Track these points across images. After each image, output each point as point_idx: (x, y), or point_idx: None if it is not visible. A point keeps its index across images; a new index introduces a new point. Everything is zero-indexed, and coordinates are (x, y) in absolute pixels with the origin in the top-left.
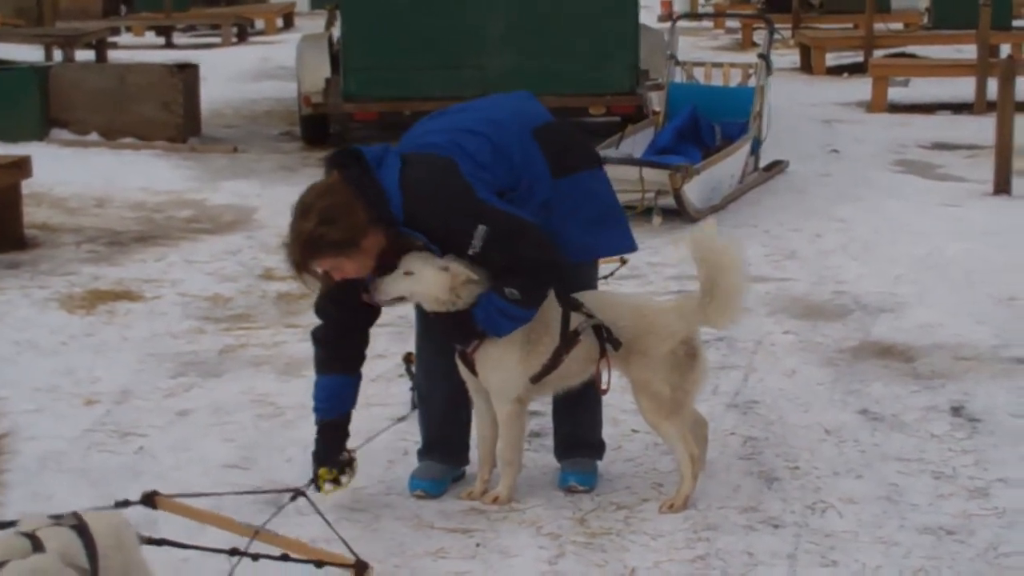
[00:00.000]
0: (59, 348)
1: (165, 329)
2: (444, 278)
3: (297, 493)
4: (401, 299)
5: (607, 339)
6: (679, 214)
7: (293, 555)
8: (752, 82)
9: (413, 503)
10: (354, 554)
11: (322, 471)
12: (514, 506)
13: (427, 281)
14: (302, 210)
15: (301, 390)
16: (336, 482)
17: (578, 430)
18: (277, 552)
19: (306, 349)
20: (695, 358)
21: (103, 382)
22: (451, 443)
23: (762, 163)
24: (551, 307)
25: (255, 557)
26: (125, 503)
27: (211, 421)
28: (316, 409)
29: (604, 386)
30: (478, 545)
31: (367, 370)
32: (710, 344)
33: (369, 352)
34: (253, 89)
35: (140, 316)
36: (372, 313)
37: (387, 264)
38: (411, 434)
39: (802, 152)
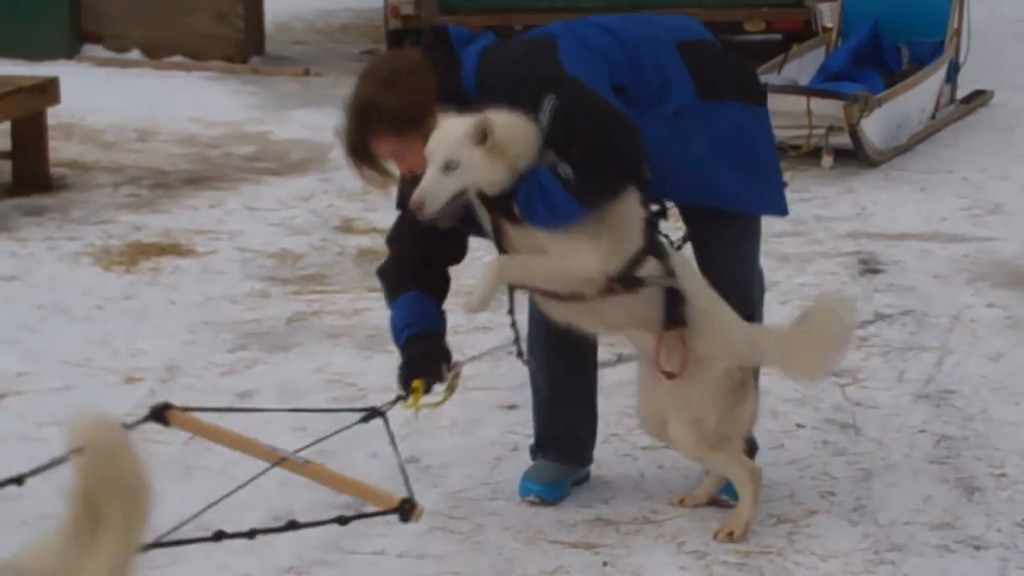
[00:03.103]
0: (93, 313)
1: (222, 292)
2: (485, 154)
3: (373, 413)
4: (457, 200)
5: (676, 311)
6: (855, 155)
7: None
8: None
9: (524, 511)
10: (408, 488)
11: (417, 383)
12: (648, 516)
13: (475, 163)
14: (363, 74)
15: (386, 368)
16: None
17: None
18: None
19: None
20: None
21: (146, 355)
22: (570, 437)
23: (960, 93)
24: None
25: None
26: (133, 423)
27: (278, 405)
28: (404, 327)
29: (668, 368)
30: (605, 564)
31: (468, 346)
32: (894, 320)
33: (469, 323)
34: None
35: (191, 275)
36: (459, 248)
37: None
38: (522, 425)
39: (1011, 80)
